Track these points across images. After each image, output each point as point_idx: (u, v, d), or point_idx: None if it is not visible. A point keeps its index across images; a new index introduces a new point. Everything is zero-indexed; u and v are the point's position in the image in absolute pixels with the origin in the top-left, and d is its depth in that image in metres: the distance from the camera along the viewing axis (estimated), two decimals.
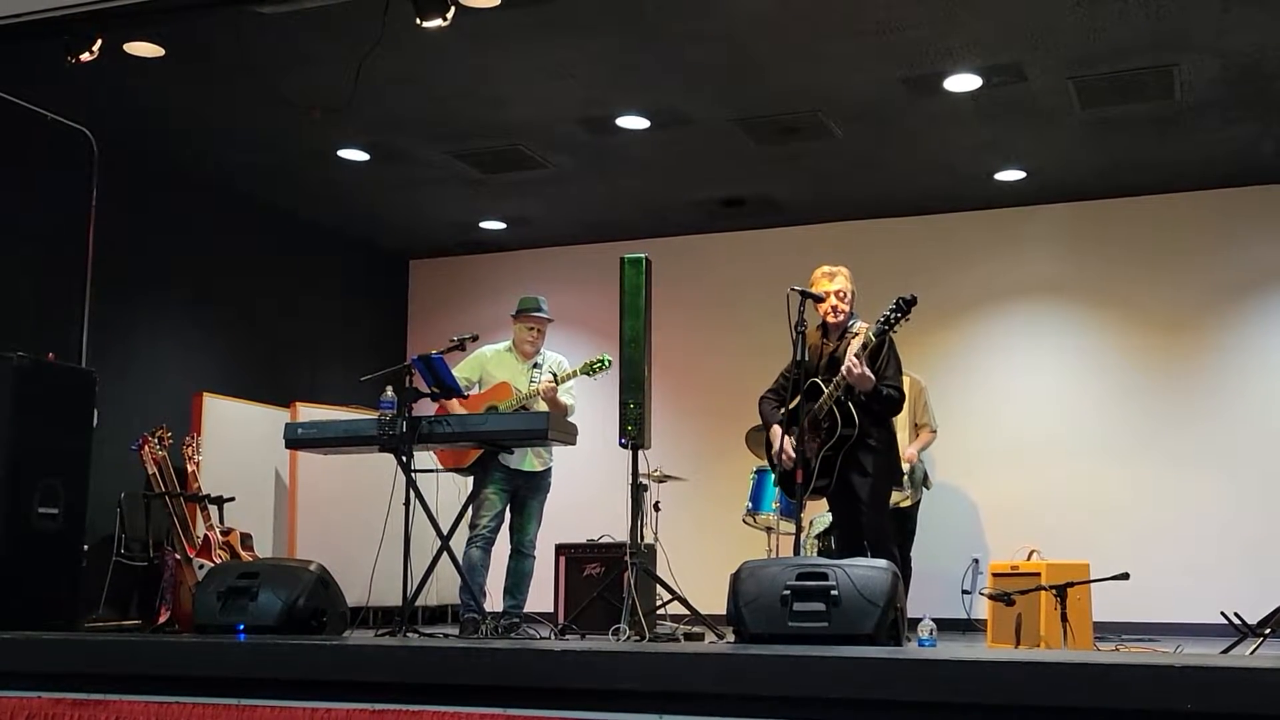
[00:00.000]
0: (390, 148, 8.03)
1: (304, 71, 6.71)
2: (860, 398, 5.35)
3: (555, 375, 6.26)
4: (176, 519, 7.06)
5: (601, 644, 4.83)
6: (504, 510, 6.29)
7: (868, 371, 5.28)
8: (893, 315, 5.28)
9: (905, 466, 6.83)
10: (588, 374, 6.27)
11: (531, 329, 6.48)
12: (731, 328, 9.47)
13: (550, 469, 6.41)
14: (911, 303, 5.28)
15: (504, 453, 6.05)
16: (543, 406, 6.15)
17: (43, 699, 3.86)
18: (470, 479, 6.32)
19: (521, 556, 6.35)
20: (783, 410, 5.52)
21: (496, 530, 6.29)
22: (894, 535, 5.73)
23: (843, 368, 5.30)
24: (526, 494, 6.32)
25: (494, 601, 6.29)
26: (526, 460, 6.21)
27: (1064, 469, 8.62)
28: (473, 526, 6.14)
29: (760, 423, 5.87)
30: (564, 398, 6.30)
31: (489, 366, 6.42)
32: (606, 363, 6.24)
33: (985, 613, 6.54)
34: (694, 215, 9.39)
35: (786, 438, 5.41)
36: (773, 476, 7.12)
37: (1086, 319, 8.84)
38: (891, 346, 5.50)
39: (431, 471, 6.23)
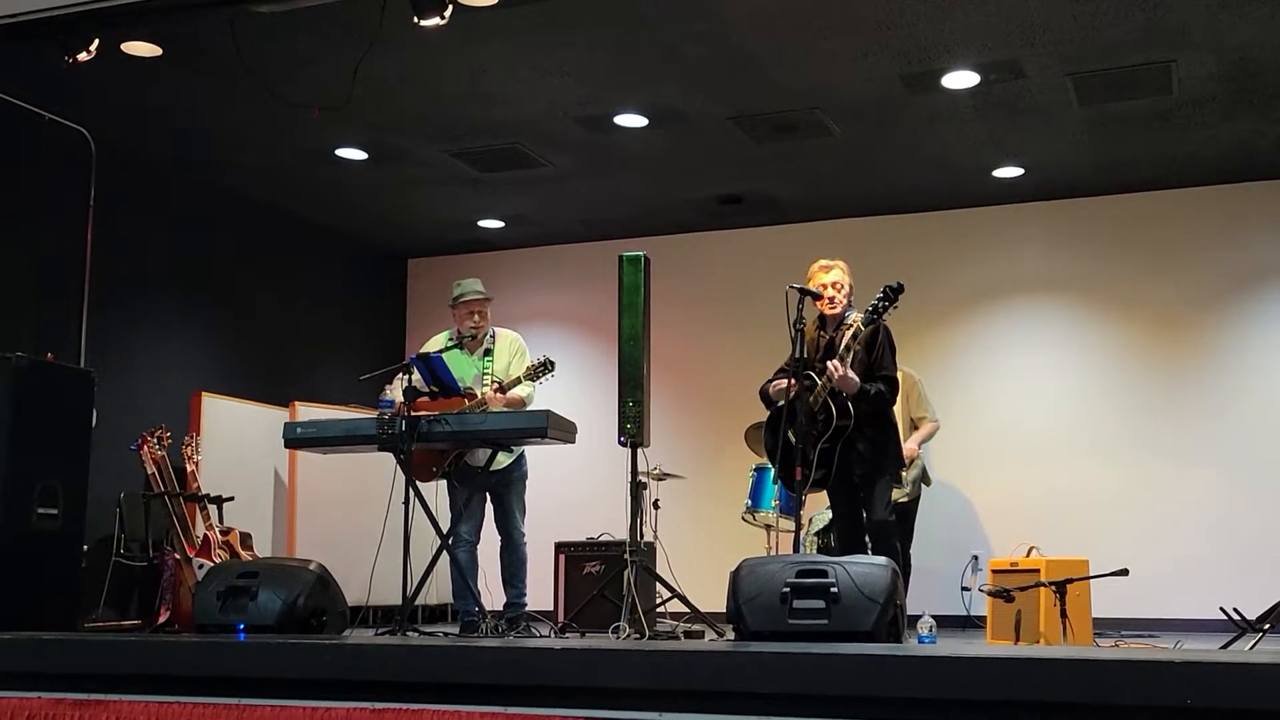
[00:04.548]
0: (388, 147, 8.02)
1: (302, 71, 6.71)
2: (844, 397, 5.36)
3: (500, 382, 6.11)
4: (176, 519, 7.06)
5: (601, 642, 4.83)
6: (483, 512, 6.29)
7: (850, 375, 5.29)
8: (880, 304, 5.30)
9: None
10: (532, 379, 6.13)
11: (472, 314, 6.34)
12: (730, 325, 9.46)
13: (522, 456, 6.34)
14: (898, 290, 5.29)
15: (469, 455, 5.98)
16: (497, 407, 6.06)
17: (42, 699, 3.86)
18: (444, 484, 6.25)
19: (513, 547, 6.34)
20: (780, 403, 5.52)
21: (478, 532, 6.28)
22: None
23: (826, 373, 5.30)
24: (502, 489, 6.30)
25: (492, 599, 6.29)
26: (493, 458, 6.02)
27: (1063, 466, 8.62)
28: (454, 534, 6.02)
29: (761, 420, 5.87)
30: (518, 391, 6.15)
31: None
32: (550, 365, 6.08)
33: (985, 609, 6.54)
34: (692, 213, 9.39)
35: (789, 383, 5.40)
36: (772, 473, 7.13)
37: (1085, 316, 8.84)
38: (887, 334, 5.52)
39: None
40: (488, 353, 6.36)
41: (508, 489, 6.32)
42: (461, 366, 6.24)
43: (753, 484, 7.47)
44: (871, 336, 5.44)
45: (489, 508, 6.38)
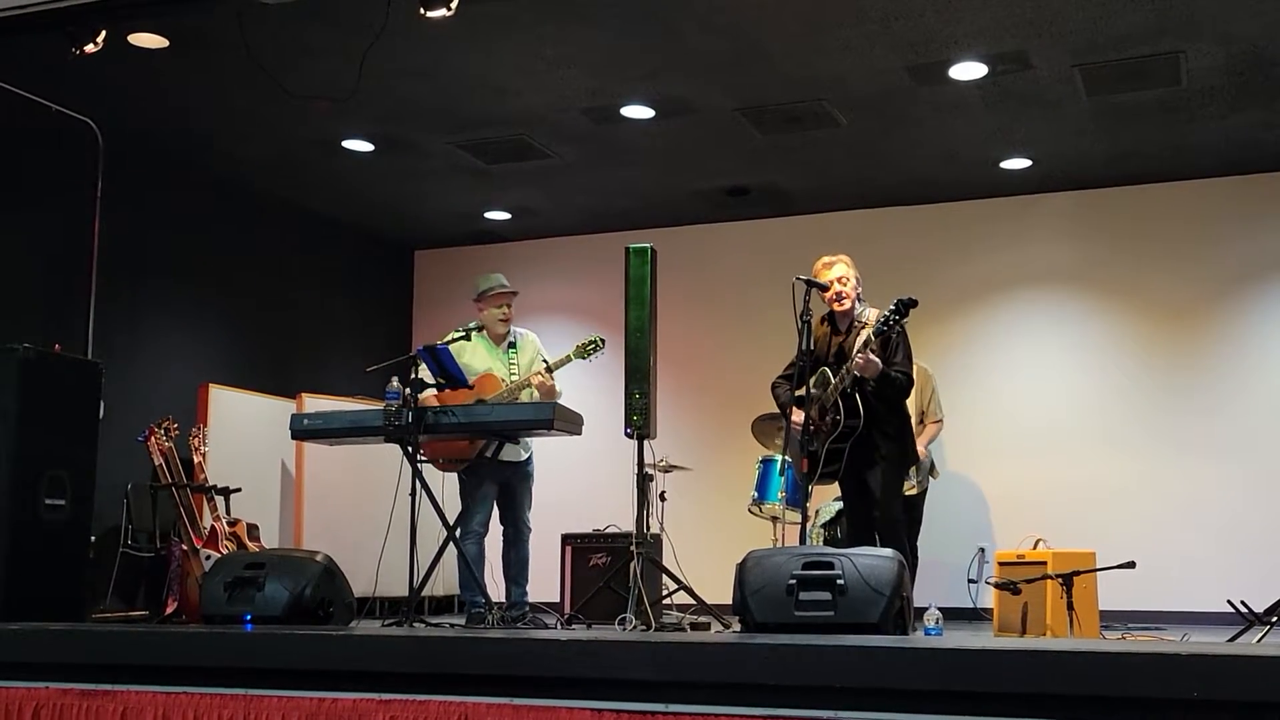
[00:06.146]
0: (395, 138, 8.02)
1: (308, 62, 6.70)
2: (870, 386, 5.36)
3: (548, 363, 6.17)
4: (183, 510, 7.07)
5: (607, 634, 4.84)
6: (493, 504, 6.31)
7: (874, 358, 5.29)
8: (891, 317, 5.30)
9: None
10: (581, 357, 6.14)
11: (501, 306, 6.39)
12: (737, 317, 9.46)
13: (531, 453, 6.40)
14: (910, 304, 5.29)
15: (495, 448, 5.97)
16: (526, 396, 6.07)
17: (51, 689, 3.88)
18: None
19: (520, 541, 6.38)
20: (795, 392, 5.54)
21: (487, 524, 6.31)
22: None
23: (851, 360, 5.32)
24: (515, 482, 6.33)
25: (499, 590, 6.30)
26: (513, 450, 6.07)
27: (1070, 458, 8.60)
28: (464, 525, 6.04)
29: (767, 412, 5.87)
30: (555, 384, 6.20)
31: (464, 358, 6.18)
32: (600, 343, 6.10)
33: (991, 602, 6.54)
34: (699, 205, 9.38)
35: (798, 412, 5.43)
36: (778, 464, 7.13)
37: (1092, 307, 8.82)
38: (903, 333, 5.52)
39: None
40: (511, 345, 6.41)
41: (520, 481, 6.36)
42: (481, 357, 6.30)
43: (759, 476, 7.46)
44: (887, 336, 5.44)
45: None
